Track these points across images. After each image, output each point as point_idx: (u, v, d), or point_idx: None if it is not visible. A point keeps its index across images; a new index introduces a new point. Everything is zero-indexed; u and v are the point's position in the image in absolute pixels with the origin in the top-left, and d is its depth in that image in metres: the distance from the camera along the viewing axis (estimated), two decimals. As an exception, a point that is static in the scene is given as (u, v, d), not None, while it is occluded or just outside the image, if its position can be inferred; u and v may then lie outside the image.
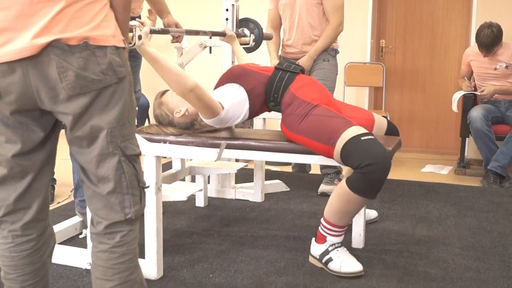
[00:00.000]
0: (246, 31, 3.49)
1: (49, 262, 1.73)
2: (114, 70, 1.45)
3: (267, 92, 2.68)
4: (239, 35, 3.41)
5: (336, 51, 4.07)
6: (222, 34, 3.17)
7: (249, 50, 3.53)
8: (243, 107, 2.65)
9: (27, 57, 1.36)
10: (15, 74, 1.39)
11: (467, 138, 4.90)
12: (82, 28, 1.39)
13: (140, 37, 2.31)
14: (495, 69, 4.65)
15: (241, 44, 3.37)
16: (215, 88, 2.77)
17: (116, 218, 1.54)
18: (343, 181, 2.42)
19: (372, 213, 3.30)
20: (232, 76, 2.74)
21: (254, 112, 2.72)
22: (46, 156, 1.61)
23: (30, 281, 1.64)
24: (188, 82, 2.39)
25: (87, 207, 1.75)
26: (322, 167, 3.97)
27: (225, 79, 2.76)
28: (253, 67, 2.81)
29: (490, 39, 4.48)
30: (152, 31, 2.42)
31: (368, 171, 2.29)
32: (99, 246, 1.56)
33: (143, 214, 1.66)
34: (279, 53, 4.20)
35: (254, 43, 3.51)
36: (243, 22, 3.54)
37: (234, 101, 2.61)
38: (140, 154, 1.58)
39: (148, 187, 1.66)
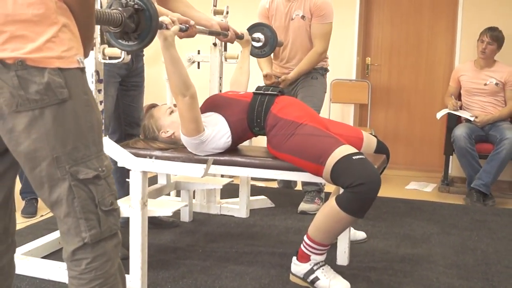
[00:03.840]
0: (260, 35, 3.54)
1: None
2: (53, 91, 1.39)
3: (249, 118, 2.68)
4: (253, 39, 3.44)
5: (326, 70, 4.09)
6: (240, 37, 3.21)
7: (261, 54, 3.63)
8: (224, 134, 2.64)
9: None
10: None
11: (450, 156, 4.94)
12: (20, 50, 1.36)
13: (128, 52, 2.32)
14: (485, 84, 4.72)
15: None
16: None
17: (75, 243, 1.50)
18: (332, 199, 2.42)
19: (360, 234, 3.29)
20: (211, 105, 2.75)
21: (237, 139, 2.72)
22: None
23: None
24: (190, 88, 2.46)
25: None
26: (304, 183, 3.96)
27: (205, 109, 2.77)
28: (232, 94, 2.83)
29: (498, 31, 4.70)
30: (181, 29, 2.45)
31: (360, 191, 2.30)
32: (69, 272, 1.54)
33: (118, 234, 1.58)
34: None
35: (268, 48, 3.60)
36: (256, 28, 3.58)
37: (215, 129, 2.61)
38: (99, 175, 1.50)
39: (117, 208, 1.58)
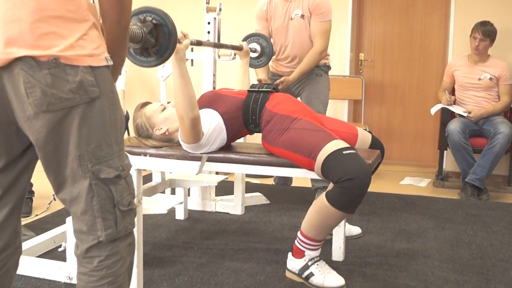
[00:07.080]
0: (256, 45, 3.54)
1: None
2: (85, 90, 1.39)
3: (245, 115, 2.67)
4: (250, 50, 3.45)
5: (328, 67, 4.08)
6: (239, 48, 3.21)
7: (258, 65, 3.65)
8: (220, 132, 2.61)
9: (1, 66, 1.33)
10: None
11: (445, 151, 4.95)
12: (54, 47, 1.34)
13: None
14: (479, 79, 4.74)
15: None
16: None
17: (89, 241, 1.50)
18: (323, 195, 2.41)
19: (355, 230, 3.30)
20: (207, 101, 2.72)
21: (233, 136, 2.70)
22: (11, 181, 1.57)
23: None
24: (194, 110, 2.41)
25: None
26: (314, 181, 3.93)
27: (199, 105, 2.75)
28: (227, 92, 2.82)
29: (489, 25, 4.71)
30: (192, 43, 2.46)
31: (348, 186, 2.28)
32: (80, 268, 1.54)
33: (128, 236, 1.59)
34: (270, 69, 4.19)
35: (265, 58, 3.63)
36: (251, 38, 3.57)
37: (211, 126, 2.58)
38: (119, 175, 1.50)
39: (135, 207, 1.59)
